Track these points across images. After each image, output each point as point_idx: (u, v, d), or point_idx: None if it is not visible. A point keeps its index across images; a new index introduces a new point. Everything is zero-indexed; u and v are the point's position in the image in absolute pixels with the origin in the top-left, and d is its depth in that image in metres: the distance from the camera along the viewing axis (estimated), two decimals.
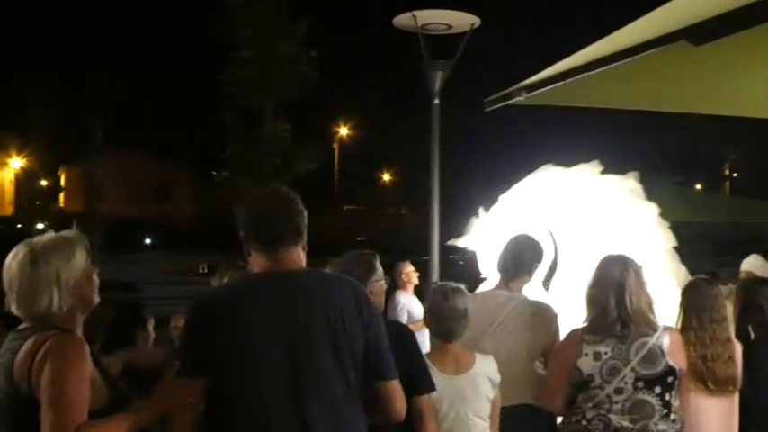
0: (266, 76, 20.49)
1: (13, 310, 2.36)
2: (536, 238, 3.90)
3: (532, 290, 3.95)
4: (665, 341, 3.31)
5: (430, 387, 3.04)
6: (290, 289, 2.40)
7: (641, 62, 3.17)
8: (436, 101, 5.99)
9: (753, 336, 4.01)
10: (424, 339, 3.53)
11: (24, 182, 44.41)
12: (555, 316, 3.74)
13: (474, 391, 3.30)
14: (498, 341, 3.62)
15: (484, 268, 4.44)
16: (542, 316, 3.73)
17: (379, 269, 3.23)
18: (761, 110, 4.92)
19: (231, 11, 20.45)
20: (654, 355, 3.28)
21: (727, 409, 3.72)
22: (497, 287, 3.85)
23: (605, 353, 3.30)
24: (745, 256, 6.09)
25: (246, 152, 20.74)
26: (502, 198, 4.60)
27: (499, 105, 4.22)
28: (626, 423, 3.27)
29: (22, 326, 2.36)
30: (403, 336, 3.00)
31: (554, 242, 4.27)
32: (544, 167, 4.60)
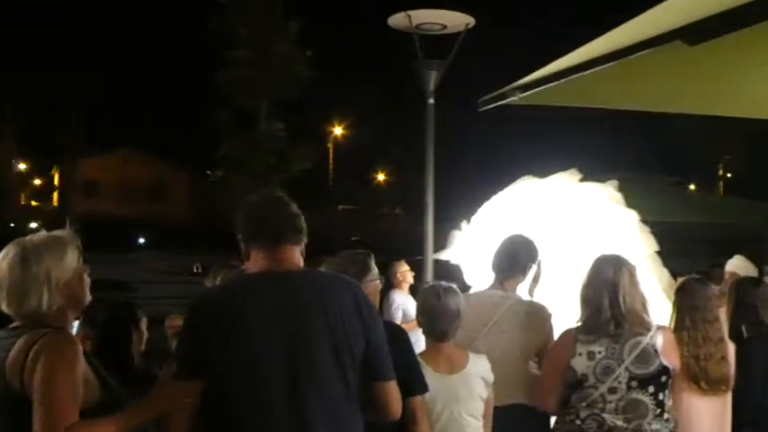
0: (261, 75, 20.51)
1: (4, 308, 2.36)
2: (531, 238, 3.90)
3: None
4: (659, 341, 3.32)
5: (423, 388, 3.04)
6: (289, 288, 2.41)
7: (636, 62, 3.17)
8: (431, 100, 5.99)
9: (746, 335, 4.02)
10: (419, 338, 3.53)
11: (18, 181, 44.30)
12: (549, 316, 3.74)
13: (467, 390, 3.29)
14: (492, 341, 3.62)
15: (469, 279, 4.47)
16: (536, 316, 3.73)
17: (374, 269, 3.25)
18: (756, 110, 4.93)
19: (226, 10, 20.44)
20: (647, 354, 3.28)
21: (720, 408, 3.73)
22: (492, 287, 3.84)
23: (599, 352, 3.30)
24: (742, 254, 6.10)
25: (241, 151, 20.76)
26: (482, 210, 4.63)
27: (493, 105, 4.22)
28: (620, 422, 3.27)
29: (14, 324, 2.36)
30: (397, 336, 3.00)
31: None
32: (523, 178, 4.65)
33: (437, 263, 5.55)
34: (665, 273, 4.36)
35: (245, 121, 20.95)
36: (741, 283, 4.33)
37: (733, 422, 3.78)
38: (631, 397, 3.27)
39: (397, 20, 5.84)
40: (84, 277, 2.44)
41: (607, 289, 3.35)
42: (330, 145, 47.21)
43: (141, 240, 40.81)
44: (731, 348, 3.76)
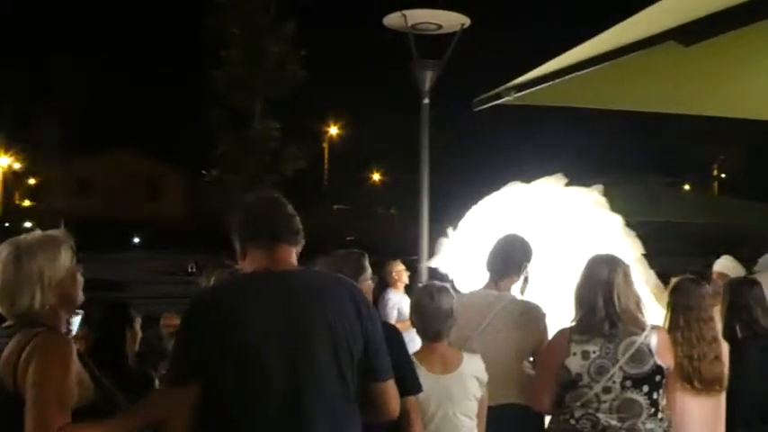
0: (256, 74, 20.49)
1: None
2: (525, 238, 3.91)
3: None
4: (653, 340, 3.32)
5: (417, 388, 3.04)
6: (286, 288, 2.40)
7: (630, 62, 3.17)
8: (426, 100, 5.99)
9: (740, 335, 4.03)
10: (413, 338, 3.54)
11: (12, 180, 44.17)
12: (543, 315, 3.74)
13: (461, 390, 3.30)
14: (487, 340, 3.62)
15: (458, 286, 4.49)
16: (531, 315, 3.73)
17: (368, 268, 3.26)
18: (751, 110, 4.95)
19: (221, 10, 20.42)
20: (642, 354, 3.29)
21: (714, 408, 3.73)
22: (486, 286, 3.85)
23: (593, 352, 3.30)
24: (737, 254, 6.11)
25: (236, 151, 20.73)
26: (468, 216, 4.66)
27: (488, 105, 4.22)
28: (614, 422, 3.28)
29: (6, 323, 2.36)
30: (391, 336, 3.00)
31: None
32: (509, 184, 4.67)
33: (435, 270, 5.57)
34: (652, 274, 4.38)
35: (239, 120, 20.93)
36: (735, 284, 4.34)
37: (727, 422, 3.78)
38: (626, 396, 3.28)
39: (393, 19, 5.84)
40: (77, 277, 2.43)
41: (602, 288, 3.35)
42: (325, 145, 47.22)
43: (136, 240, 40.73)
44: (725, 348, 3.77)
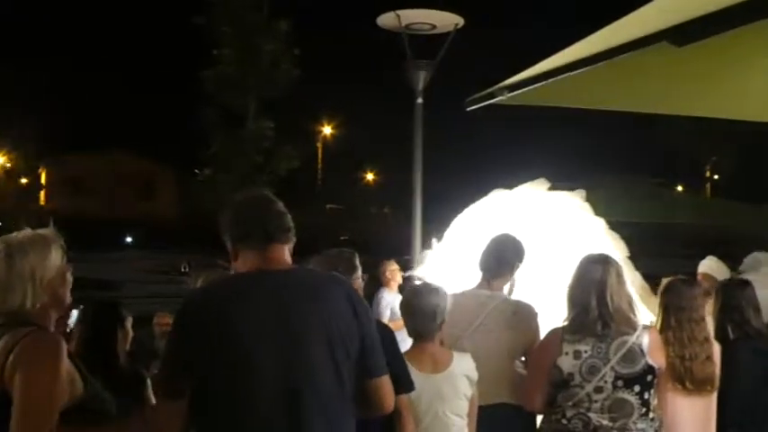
0: (248, 74, 20.45)
1: None
2: (518, 238, 3.91)
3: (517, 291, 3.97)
4: (645, 340, 3.33)
5: (409, 386, 3.05)
6: (280, 287, 2.38)
7: (623, 63, 3.17)
8: (419, 100, 6.00)
9: (732, 336, 4.03)
10: (405, 338, 3.55)
11: (3, 180, 43.98)
12: (535, 315, 3.75)
13: (452, 389, 3.30)
14: (479, 340, 3.62)
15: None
16: (523, 315, 3.74)
17: (359, 267, 3.26)
18: (743, 112, 4.96)
19: (213, 8, 20.37)
20: (633, 354, 3.29)
21: (705, 408, 3.74)
22: (479, 286, 3.85)
23: (585, 351, 3.30)
24: (729, 256, 6.12)
25: (229, 151, 20.68)
26: (453, 226, 4.68)
27: (481, 105, 4.22)
28: (605, 422, 3.28)
29: None
30: (383, 335, 2.99)
31: None
32: (493, 192, 4.69)
33: (410, 279, 5.60)
34: (638, 276, 4.41)
35: (232, 120, 20.88)
36: (727, 285, 4.34)
37: (718, 423, 3.79)
38: (617, 396, 3.28)
39: (387, 19, 5.84)
40: (66, 276, 2.42)
41: (595, 288, 3.35)
42: (319, 144, 47.17)
43: (128, 239, 40.60)
44: (716, 348, 3.78)
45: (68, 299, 2.44)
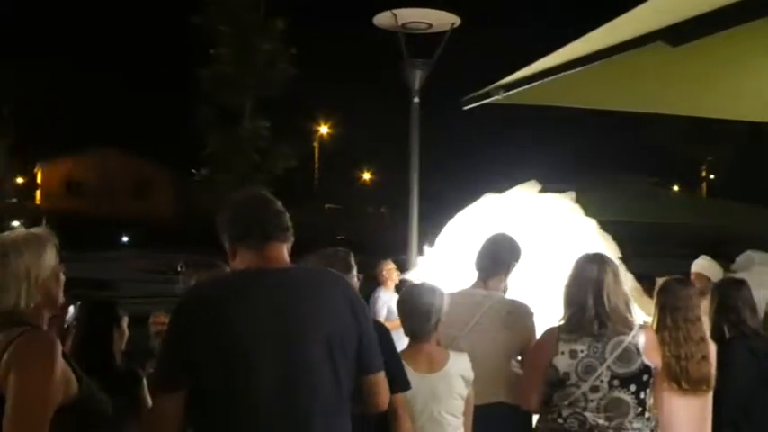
0: (245, 73, 20.44)
1: None
2: (513, 237, 3.92)
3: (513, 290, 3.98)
4: (641, 340, 3.33)
5: (405, 385, 3.05)
6: (279, 286, 2.37)
7: (619, 62, 3.18)
8: (416, 99, 5.99)
9: (728, 336, 4.04)
10: (401, 337, 3.56)
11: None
12: (531, 314, 3.75)
13: (447, 389, 3.30)
14: (475, 339, 3.62)
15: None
16: (518, 314, 3.74)
17: (354, 266, 3.27)
18: (739, 111, 4.97)
19: (209, 7, 20.36)
20: (629, 353, 3.30)
21: (701, 408, 3.75)
22: (475, 285, 3.85)
23: (581, 351, 3.31)
24: (725, 256, 6.14)
25: (225, 150, 20.67)
26: (445, 231, 4.69)
27: (477, 104, 4.22)
28: (601, 421, 3.28)
29: None
30: (380, 334, 2.99)
31: None
32: (484, 196, 4.71)
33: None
34: (630, 277, 4.43)
35: (229, 119, 20.88)
36: (723, 285, 4.35)
37: (714, 422, 3.80)
38: (613, 396, 3.29)
39: (383, 18, 5.83)
40: (60, 276, 2.42)
41: (591, 287, 3.36)
42: (316, 144, 47.14)
43: (125, 239, 40.52)
44: (712, 348, 3.78)
45: (61, 298, 2.44)
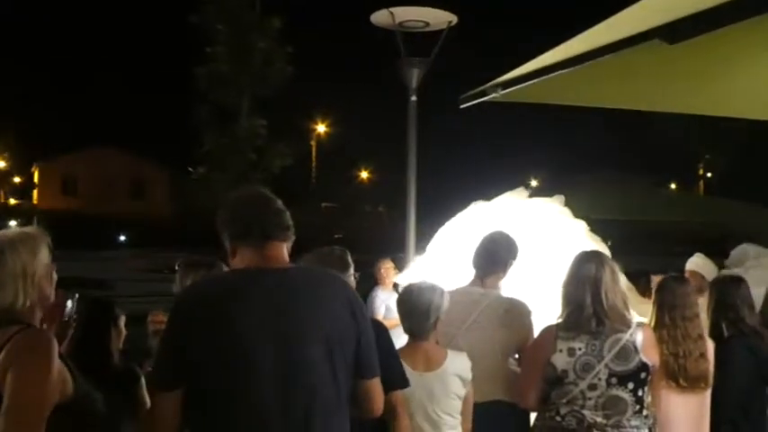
0: (241, 71, 20.43)
1: None
2: (511, 235, 3.92)
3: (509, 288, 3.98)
4: (639, 338, 3.33)
5: (404, 383, 3.04)
6: (279, 286, 2.36)
7: (616, 60, 3.18)
8: (413, 98, 5.99)
9: (726, 334, 4.04)
10: (400, 335, 3.56)
11: None
12: (529, 312, 3.75)
13: (443, 389, 3.29)
14: (472, 338, 3.62)
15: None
16: (516, 312, 3.74)
17: (351, 264, 3.26)
18: (736, 109, 4.97)
19: (206, 6, 20.34)
20: (627, 351, 3.30)
21: (699, 405, 3.76)
22: (472, 283, 3.85)
23: (579, 349, 3.31)
24: (723, 254, 6.14)
25: (222, 149, 20.66)
26: (435, 239, 4.70)
27: (474, 102, 4.22)
28: (599, 419, 3.29)
29: None
30: (378, 332, 2.99)
31: None
32: (473, 204, 4.72)
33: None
34: (622, 277, 4.44)
35: (226, 117, 20.86)
36: (721, 282, 4.35)
37: (712, 420, 3.80)
38: (611, 393, 3.29)
39: (380, 17, 5.82)
40: (53, 275, 2.41)
41: (589, 285, 3.36)
42: (313, 142, 47.13)
43: (122, 238, 40.49)
44: (710, 346, 3.79)
45: (53, 296, 2.43)
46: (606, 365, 3.28)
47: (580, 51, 3.34)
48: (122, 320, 3.83)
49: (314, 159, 47.59)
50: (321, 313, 2.36)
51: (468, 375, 3.35)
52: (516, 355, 3.77)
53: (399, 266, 7.18)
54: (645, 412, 3.36)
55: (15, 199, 45.36)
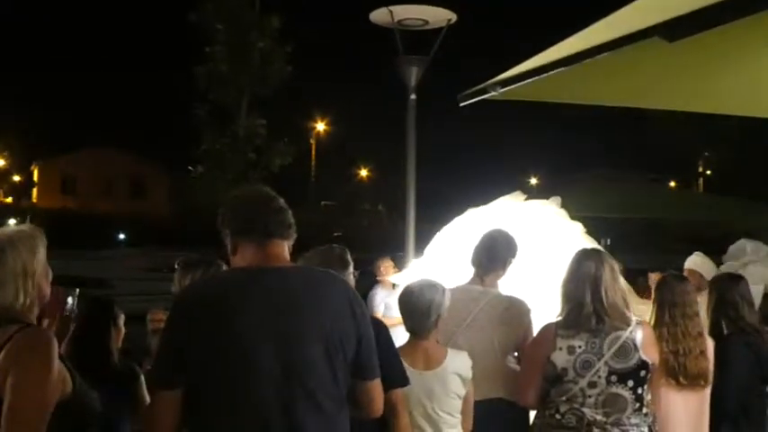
0: (240, 70, 20.44)
1: None
2: (510, 234, 3.92)
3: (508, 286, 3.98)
4: (639, 335, 3.33)
5: (404, 381, 3.04)
6: (280, 285, 2.36)
7: (615, 58, 3.17)
8: (413, 96, 5.99)
9: (726, 332, 4.05)
10: (400, 334, 3.57)
11: None
12: (528, 311, 3.76)
13: (442, 387, 3.29)
14: (472, 336, 3.63)
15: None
16: (515, 310, 3.74)
17: (350, 263, 3.26)
18: (736, 107, 4.97)
19: (205, 5, 20.35)
20: (627, 349, 3.30)
21: (698, 403, 3.76)
22: (471, 282, 3.85)
23: (579, 347, 3.31)
24: (722, 251, 6.15)
25: (222, 148, 20.68)
26: (433, 242, 4.71)
27: (473, 100, 4.21)
28: (599, 417, 3.29)
29: None
30: (378, 331, 2.99)
31: None
32: (469, 209, 4.74)
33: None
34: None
35: (225, 116, 20.87)
36: (721, 280, 4.35)
37: (712, 418, 3.81)
38: (611, 391, 3.29)
39: (379, 15, 5.83)
40: (49, 273, 2.41)
41: (589, 283, 3.36)
42: (312, 141, 47.12)
43: (121, 237, 40.47)
44: (710, 344, 3.79)
45: (48, 294, 2.43)
46: (606, 363, 3.28)
47: (579, 49, 3.33)
48: (122, 319, 3.84)
49: (313, 158, 47.59)
50: (321, 313, 2.36)
51: (469, 374, 3.35)
52: (516, 353, 3.77)
53: (399, 265, 7.19)
54: (644, 410, 3.36)
55: (13, 198, 45.32)
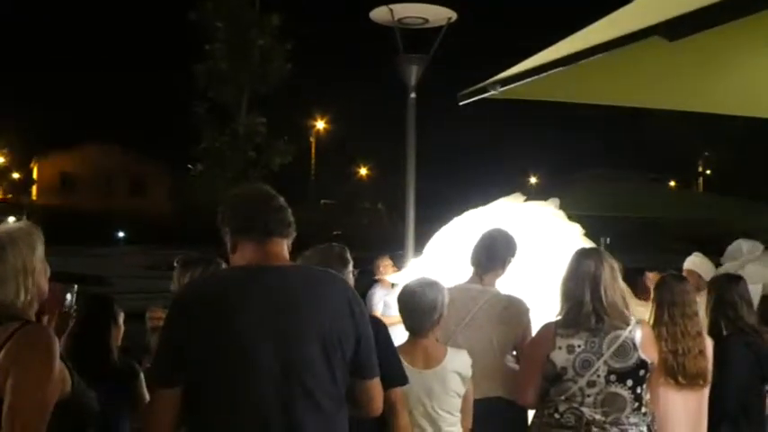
0: (240, 68, 20.42)
1: None
2: (509, 233, 3.92)
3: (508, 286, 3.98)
4: (638, 335, 3.33)
5: (403, 380, 3.04)
6: (279, 284, 2.36)
7: (616, 57, 3.17)
8: (412, 95, 5.99)
9: (725, 332, 4.05)
10: (400, 333, 3.57)
11: None
12: (527, 310, 3.76)
13: (442, 386, 3.29)
14: (471, 335, 3.63)
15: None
16: (514, 309, 3.74)
17: (350, 261, 3.26)
18: (736, 107, 4.97)
19: (204, 3, 20.32)
20: (626, 348, 3.30)
21: (697, 403, 3.76)
22: (470, 281, 3.85)
23: (578, 346, 3.31)
24: (722, 251, 6.14)
25: (221, 146, 20.66)
26: (431, 243, 4.71)
27: (473, 99, 4.21)
28: (598, 416, 3.28)
29: None
30: (376, 329, 2.99)
31: None
32: (468, 211, 4.74)
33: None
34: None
35: (225, 115, 20.86)
36: (720, 280, 4.36)
37: (711, 418, 3.81)
38: (610, 391, 3.29)
39: (379, 14, 5.82)
40: (47, 270, 2.41)
41: (588, 282, 3.35)
42: (312, 139, 47.11)
43: (120, 234, 40.49)
44: (709, 343, 3.79)
45: (47, 291, 2.43)
46: (605, 362, 3.28)
47: (579, 48, 3.33)
48: (121, 317, 3.83)
49: (313, 156, 47.59)
50: (320, 312, 2.36)
51: (468, 373, 3.35)
52: (514, 352, 3.77)
53: (398, 264, 7.19)
54: (643, 409, 3.36)
55: (13, 195, 45.34)
